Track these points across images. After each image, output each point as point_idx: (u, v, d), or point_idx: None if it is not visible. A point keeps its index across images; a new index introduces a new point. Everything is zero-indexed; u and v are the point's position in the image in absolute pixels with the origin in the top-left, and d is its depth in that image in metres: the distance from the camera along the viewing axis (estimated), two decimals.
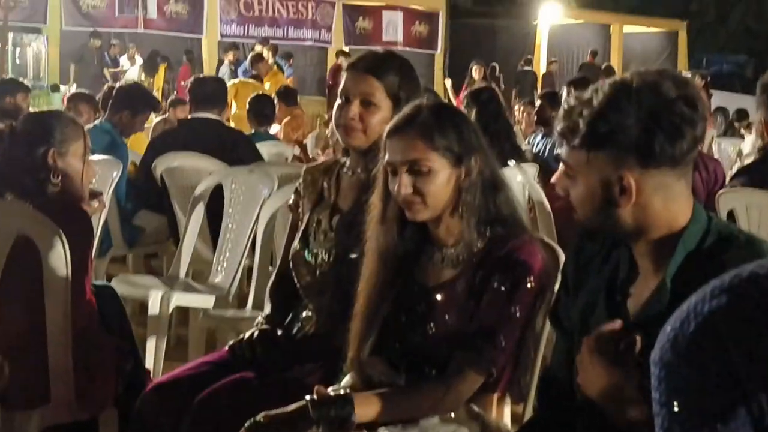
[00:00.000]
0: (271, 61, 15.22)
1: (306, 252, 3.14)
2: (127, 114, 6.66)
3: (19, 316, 3.15)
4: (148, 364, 4.26)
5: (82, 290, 3.28)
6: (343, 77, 3.09)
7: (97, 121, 6.85)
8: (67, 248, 3.07)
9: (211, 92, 6.53)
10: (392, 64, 3.23)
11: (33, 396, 3.21)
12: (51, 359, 3.17)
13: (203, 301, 4.63)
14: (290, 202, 3.37)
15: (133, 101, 6.87)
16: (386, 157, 2.62)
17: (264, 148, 6.65)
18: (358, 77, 3.12)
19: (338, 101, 3.05)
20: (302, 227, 3.20)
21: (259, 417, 2.48)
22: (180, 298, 4.61)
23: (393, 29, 23.22)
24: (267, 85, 13.32)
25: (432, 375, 2.58)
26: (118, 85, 7.36)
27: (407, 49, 21.50)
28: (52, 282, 3.07)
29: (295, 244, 3.19)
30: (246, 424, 2.46)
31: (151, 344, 4.49)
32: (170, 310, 4.61)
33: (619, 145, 1.87)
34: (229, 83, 12.42)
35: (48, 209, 3.17)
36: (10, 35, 17.89)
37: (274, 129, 9.12)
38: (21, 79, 13.99)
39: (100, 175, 5.20)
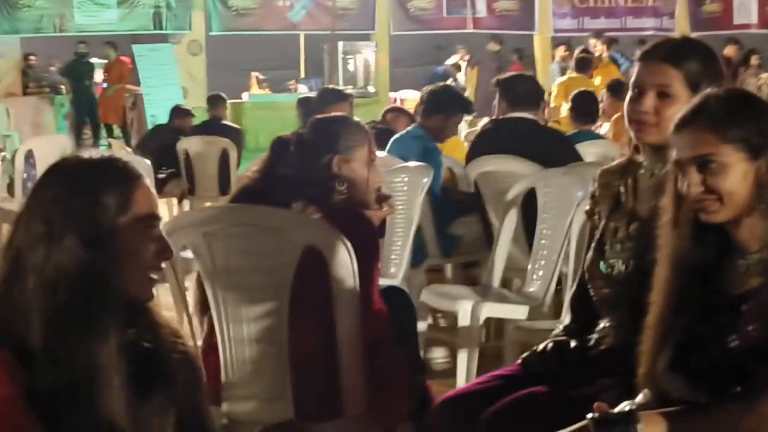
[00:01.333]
0: (605, 54, 14.91)
1: (601, 263, 3.06)
2: (440, 118, 6.72)
3: (310, 329, 3.23)
4: (459, 377, 4.34)
5: (371, 300, 3.33)
6: (635, 67, 2.96)
7: (409, 128, 6.97)
8: (354, 258, 3.12)
9: (525, 91, 6.43)
10: (692, 50, 3.07)
11: (326, 409, 3.27)
12: (343, 371, 3.24)
13: (516, 311, 4.60)
14: (586, 207, 3.27)
15: (445, 105, 6.91)
16: (674, 154, 2.50)
17: (587, 149, 6.53)
18: (654, 67, 2.99)
19: (630, 93, 2.94)
20: (597, 235, 3.12)
21: None
22: (491, 309, 4.60)
23: (745, 10, 21.10)
24: (597, 80, 13.01)
25: (735, 392, 2.40)
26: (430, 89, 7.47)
27: (763, 31, 20.06)
28: (341, 293, 3.14)
29: (591, 253, 3.12)
30: None
31: (461, 357, 4.52)
32: (480, 322, 4.60)
33: None
34: (558, 81, 12.31)
35: (334, 218, 3.25)
36: (341, 44, 18.80)
37: (606, 128, 8.95)
38: (350, 88, 14.69)
39: (409, 182, 5.38)
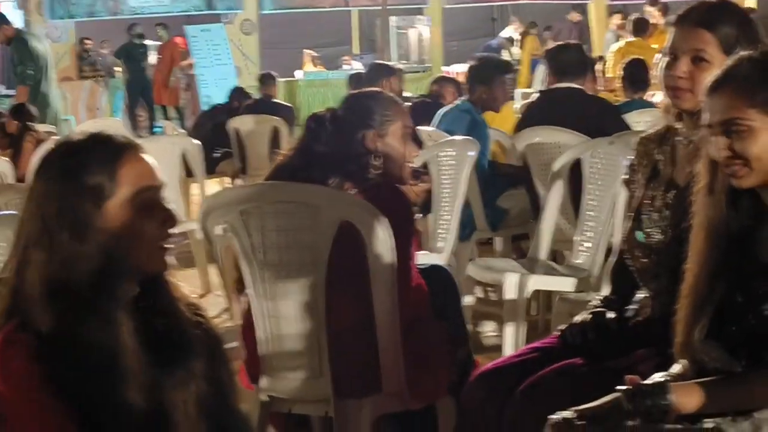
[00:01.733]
0: (661, 22, 14.67)
1: (639, 232, 3.04)
2: (484, 89, 6.71)
3: (348, 305, 3.26)
4: (506, 351, 4.33)
5: (408, 276, 3.34)
6: (671, 33, 2.92)
7: (458, 101, 6.98)
8: (391, 233, 3.13)
9: (571, 60, 6.36)
10: (728, 14, 3.01)
11: (365, 384, 3.31)
12: (381, 347, 3.26)
13: (563, 283, 4.59)
14: (625, 176, 3.24)
15: (486, 75, 6.89)
16: (705, 118, 2.46)
17: (637, 117, 6.45)
18: (688, 31, 2.93)
19: (665, 59, 2.90)
20: (635, 204, 3.09)
21: (567, 413, 2.40)
22: (538, 282, 4.60)
23: None
24: (655, 46, 12.56)
25: None
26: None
27: None
28: (378, 268, 3.16)
29: (629, 223, 3.09)
30: (551, 421, 2.42)
31: (508, 330, 4.53)
32: (528, 295, 4.60)
33: None
34: (613, 47, 12.13)
35: (370, 193, 3.26)
36: (393, 18, 18.76)
37: (660, 96, 8.78)
38: (403, 63, 14.68)
39: (456, 156, 5.38)
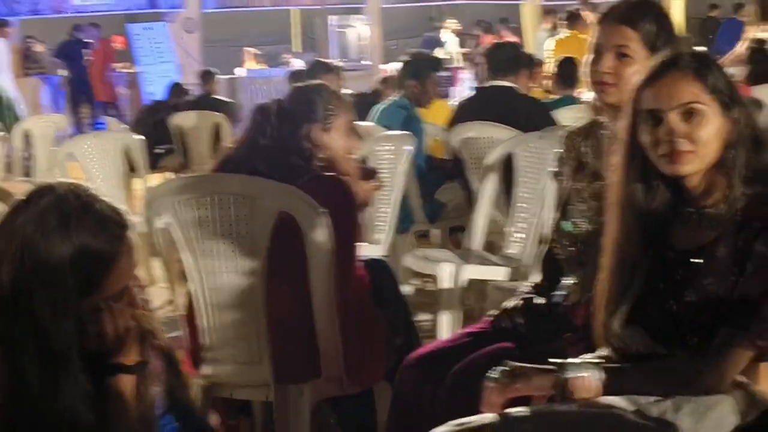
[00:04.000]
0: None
1: (566, 222, 3.06)
2: (414, 83, 6.75)
3: (287, 293, 3.27)
4: (443, 338, 4.36)
5: (350, 266, 3.35)
6: (596, 31, 2.97)
7: (395, 97, 6.97)
8: (330, 225, 3.13)
9: (504, 59, 6.39)
10: (649, 11, 3.04)
11: (304, 370, 3.31)
12: (320, 334, 3.26)
13: (496, 273, 4.59)
14: (552, 168, 3.28)
15: (418, 71, 6.91)
16: (644, 105, 2.44)
17: (566, 113, 6.47)
18: (612, 28, 2.97)
19: (590, 56, 2.94)
20: (563, 196, 3.12)
21: (505, 365, 2.43)
22: (471, 271, 4.60)
23: None
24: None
25: (694, 344, 2.39)
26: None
27: None
28: (316, 258, 3.17)
29: (557, 214, 3.13)
30: (490, 374, 2.43)
31: (443, 318, 4.54)
32: (462, 284, 4.60)
33: None
34: (552, 42, 12.15)
35: (312, 186, 3.22)
36: (333, 18, 18.83)
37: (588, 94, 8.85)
38: (343, 61, 14.68)
39: (393, 151, 5.40)
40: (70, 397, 1.86)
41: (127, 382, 1.98)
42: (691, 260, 2.40)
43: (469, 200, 5.66)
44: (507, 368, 2.40)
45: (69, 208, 1.83)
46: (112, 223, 1.84)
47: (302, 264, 3.19)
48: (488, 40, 15.57)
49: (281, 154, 3.39)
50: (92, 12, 16.77)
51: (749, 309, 2.29)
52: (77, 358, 1.88)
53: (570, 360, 2.41)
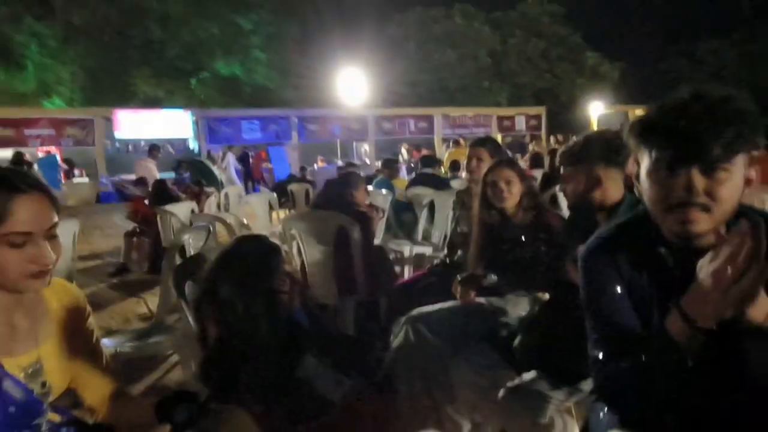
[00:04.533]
0: (462, 142, 14.42)
1: (458, 227, 2.91)
2: (388, 171, 6.71)
3: (342, 258, 3.05)
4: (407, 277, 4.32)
5: (370, 246, 3.16)
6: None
7: (383, 175, 6.68)
8: (360, 231, 3.03)
9: (430, 161, 6.29)
10: (488, 139, 2.94)
11: (350, 289, 3.06)
12: (356, 274, 3.05)
13: (426, 249, 4.39)
14: (451, 206, 3.16)
15: (389, 165, 6.89)
16: (490, 179, 2.28)
17: (454, 183, 6.27)
18: (473, 149, 2.88)
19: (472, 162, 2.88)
20: (457, 217, 2.96)
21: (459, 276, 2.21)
22: (416, 249, 4.41)
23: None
24: (464, 152, 12.10)
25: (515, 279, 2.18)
26: None
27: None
28: (354, 244, 3.03)
29: (453, 224, 2.98)
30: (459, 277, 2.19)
31: (405, 269, 4.32)
32: (412, 254, 4.41)
33: None
34: (447, 154, 11.73)
35: (354, 214, 3.13)
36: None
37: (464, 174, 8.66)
38: (353, 161, 14.05)
39: (384, 198, 5.22)
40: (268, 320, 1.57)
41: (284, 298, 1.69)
42: (519, 237, 2.22)
43: (416, 220, 5.53)
44: (460, 278, 2.23)
45: None
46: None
47: (348, 246, 3.04)
48: (416, 153, 14.87)
49: (339, 200, 3.28)
50: (253, 141, 16.25)
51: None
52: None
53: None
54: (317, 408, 1.58)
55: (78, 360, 1.23)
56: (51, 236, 1.08)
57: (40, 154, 13.42)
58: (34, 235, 1.06)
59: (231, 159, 13.06)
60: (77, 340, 1.23)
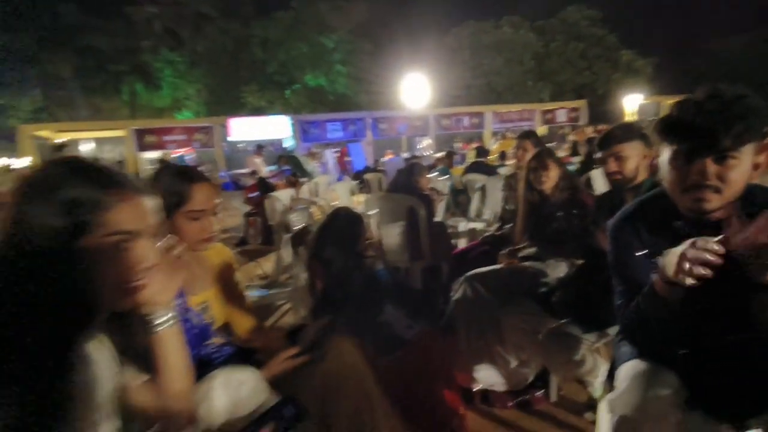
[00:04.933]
0: (508, 134, 13.53)
1: (506, 205, 2.87)
2: (448, 161, 6.45)
3: (413, 231, 3.05)
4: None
5: (432, 221, 3.14)
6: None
7: (443, 165, 6.62)
8: (423, 209, 3.05)
9: (483, 151, 6.12)
10: (532, 133, 2.88)
11: (418, 254, 3.00)
12: (423, 240, 2.98)
13: (480, 224, 4.14)
14: (501, 189, 3.06)
15: (449, 156, 6.65)
16: (531, 165, 2.22)
17: (502, 169, 6.07)
18: (519, 141, 2.85)
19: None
20: (505, 197, 2.92)
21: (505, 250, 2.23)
22: (471, 225, 4.26)
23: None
24: (511, 143, 10.99)
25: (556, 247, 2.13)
26: None
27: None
28: (421, 222, 3.03)
29: (503, 203, 2.93)
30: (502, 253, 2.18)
31: (460, 242, 4.26)
32: (469, 228, 4.35)
33: None
34: (496, 145, 11.22)
35: (419, 196, 3.14)
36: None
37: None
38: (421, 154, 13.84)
39: (443, 183, 5.26)
40: None
41: None
42: (554, 213, 2.19)
43: (470, 201, 5.22)
44: (505, 251, 2.23)
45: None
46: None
47: (415, 221, 3.03)
48: (465, 146, 14.07)
49: (407, 185, 3.32)
50: (335, 140, 16.22)
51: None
52: None
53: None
54: (394, 344, 1.68)
55: (230, 301, 1.39)
56: (214, 213, 1.25)
57: (175, 155, 14.45)
58: (205, 212, 1.23)
59: (329, 155, 13.09)
60: (230, 287, 1.40)
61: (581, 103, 18.85)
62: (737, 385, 1.00)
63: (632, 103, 17.96)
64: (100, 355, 0.72)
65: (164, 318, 0.83)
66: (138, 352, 0.81)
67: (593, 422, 1.58)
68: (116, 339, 0.76)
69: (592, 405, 1.77)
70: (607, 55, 23.70)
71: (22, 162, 10.90)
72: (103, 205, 0.69)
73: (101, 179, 0.71)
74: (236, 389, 1.02)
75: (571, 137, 13.20)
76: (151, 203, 0.75)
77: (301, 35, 17.72)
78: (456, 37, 23.27)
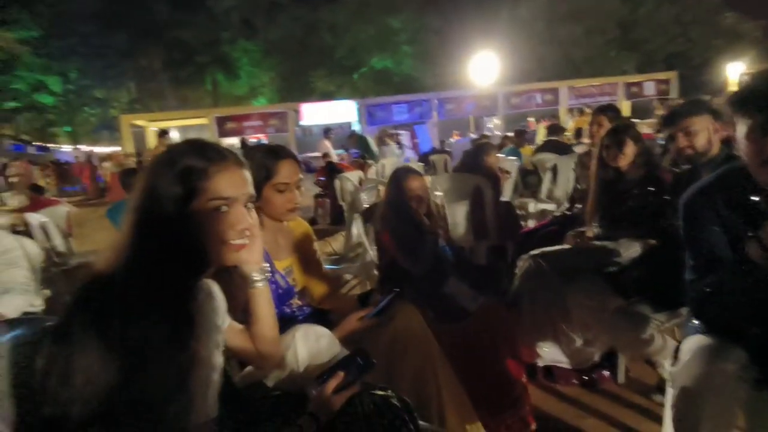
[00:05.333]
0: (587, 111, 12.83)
1: (578, 185, 2.83)
2: (517, 140, 6.21)
3: (479, 208, 3.04)
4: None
5: (498, 199, 3.18)
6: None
7: (511, 145, 6.32)
8: (490, 188, 3.04)
9: (557, 128, 5.80)
10: (611, 107, 2.78)
11: (483, 233, 3.01)
12: (488, 217, 3.00)
13: (550, 205, 4.12)
14: (573, 168, 3.01)
15: (520, 134, 6.35)
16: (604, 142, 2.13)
17: (579, 149, 5.65)
18: (594, 117, 2.77)
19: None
20: (577, 176, 2.86)
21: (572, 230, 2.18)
22: (540, 205, 4.25)
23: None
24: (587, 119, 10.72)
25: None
26: None
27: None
28: (488, 201, 3.04)
29: (574, 183, 2.89)
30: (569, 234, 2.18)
31: (528, 224, 4.22)
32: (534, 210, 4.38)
33: None
34: (571, 122, 10.61)
35: (486, 176, 3.12)
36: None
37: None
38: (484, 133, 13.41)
39: (512, 164, 4.93)
40: None
41: None
42: (629, 191, 2.11)
43: (540, 182, 4.90)
44: (572, 232, 2.22)
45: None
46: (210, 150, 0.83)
47: (481, 201, 3.04)
48: (531, 125, 13.33)
49: (474, 165, 3.30)
50: (402, 122, 16.08)
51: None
52: None
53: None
54: (458, 314, 1.74)
55: (309, 268, 1.53)
56: (298, 186, 1.38)
57: (253, 141, 15.31)
58: (290, 185, 1.36)
59: (405, 138, 13.00)
60: (309, 255, 1.54)
61: (671, 75, 17.12)
62: None
63: (736, 72, 16.01)
64: (210, 297, 0.84)
65: (260, 276, 0.96)
66: (238, 304, 0.94)
67: (662, 404, 1.56)
68: (223, 292, 0.87)
69: (661, 387, 1.76)
70: (707, 19, 21.10)
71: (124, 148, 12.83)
72: (207, 175, 0.80)
73: (207, 153, 0.82)
74: (315, 341, 1.14)
75: (658, 112, 12.12)
76: (246, 175, 0.85)
77: (367, 18, 17.81)
78: (529, 7, 21.98)
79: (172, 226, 0.76)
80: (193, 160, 0.80)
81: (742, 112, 1.03)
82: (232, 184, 0.82)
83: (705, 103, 1.65)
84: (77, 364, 0.64)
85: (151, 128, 13.78)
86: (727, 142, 1.60)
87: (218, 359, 0.81)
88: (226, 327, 0.90)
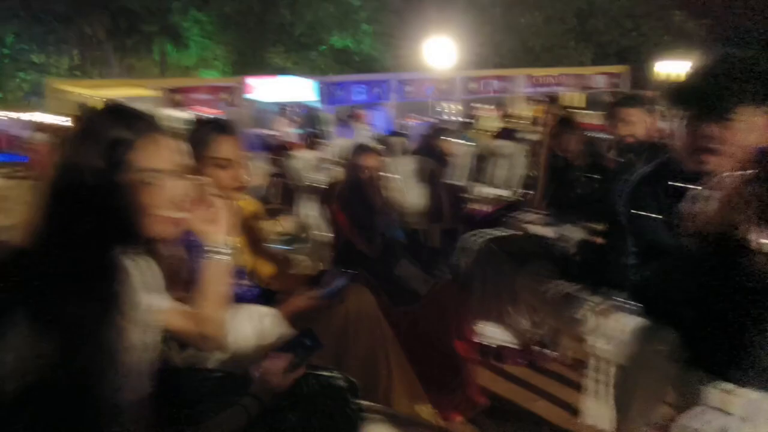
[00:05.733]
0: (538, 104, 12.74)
1: (532, 171, 2.65)
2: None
3: (433, 201, 2.86)
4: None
5: (454, 185, 3.14)
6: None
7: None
8: (444, 173, 3.07)
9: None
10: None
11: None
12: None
13: (503, 193, 4.02)
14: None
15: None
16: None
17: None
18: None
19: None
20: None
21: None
22: (491, 191, 4.09)
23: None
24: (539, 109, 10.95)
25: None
26: None
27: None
28: (441, 185, 2.93)
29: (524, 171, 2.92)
30: None
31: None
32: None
33: None
34: (527, 110, 10.52)
35: (437, 159, 3.07)
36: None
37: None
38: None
39: None
40: None
41: None
42: (580, 178, 2.20)
43: (494, 168, 4.62)
44: (519, 215, 2.21)
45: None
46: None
47: (436, 185, 2.86)
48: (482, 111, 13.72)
49: (429, 149, 3.23)
50: (360, 102, 15.91)
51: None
52: None
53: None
54: (410, 297, 1.76)
55: (256, 248, 1.49)
56: (243, 165, 1.31)
57: (206, 116, 14.39)
58: (232, 162, 1.28)
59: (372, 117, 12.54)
60: (256, 235, 1.50)
61: (623, 69, 17.85)
62: (738, 347, 0.98)
63: (673, 70, 16.89)
64: (138, 272, 0.80)
65: (217, 249, 0.92)
66: (179, 281, 0.91)
67: (598, 381, 1.63)
68: (162, 266, 0.83)
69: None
70: (659, 14, 21.82)
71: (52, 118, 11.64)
72: (134, 147, 0.76)
73: (134, 124, 0.78)
74: (259, 321, 1.12)
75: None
76: (178, 146, 0.81)
77: None
78: None
79: (93, 199, 0.73)
80: (119, 132, 0.76)
81: (675, 105, 1.08)
82: (162, 156, 0.79)
83: (640, 97, 1.74)
84: (8, 342, 0.63)
85: (95, 98, 12.64)
86: (661, 134, 1.67)
87: (151, 336, 0.80)
88: (164, 305, 0.87)
